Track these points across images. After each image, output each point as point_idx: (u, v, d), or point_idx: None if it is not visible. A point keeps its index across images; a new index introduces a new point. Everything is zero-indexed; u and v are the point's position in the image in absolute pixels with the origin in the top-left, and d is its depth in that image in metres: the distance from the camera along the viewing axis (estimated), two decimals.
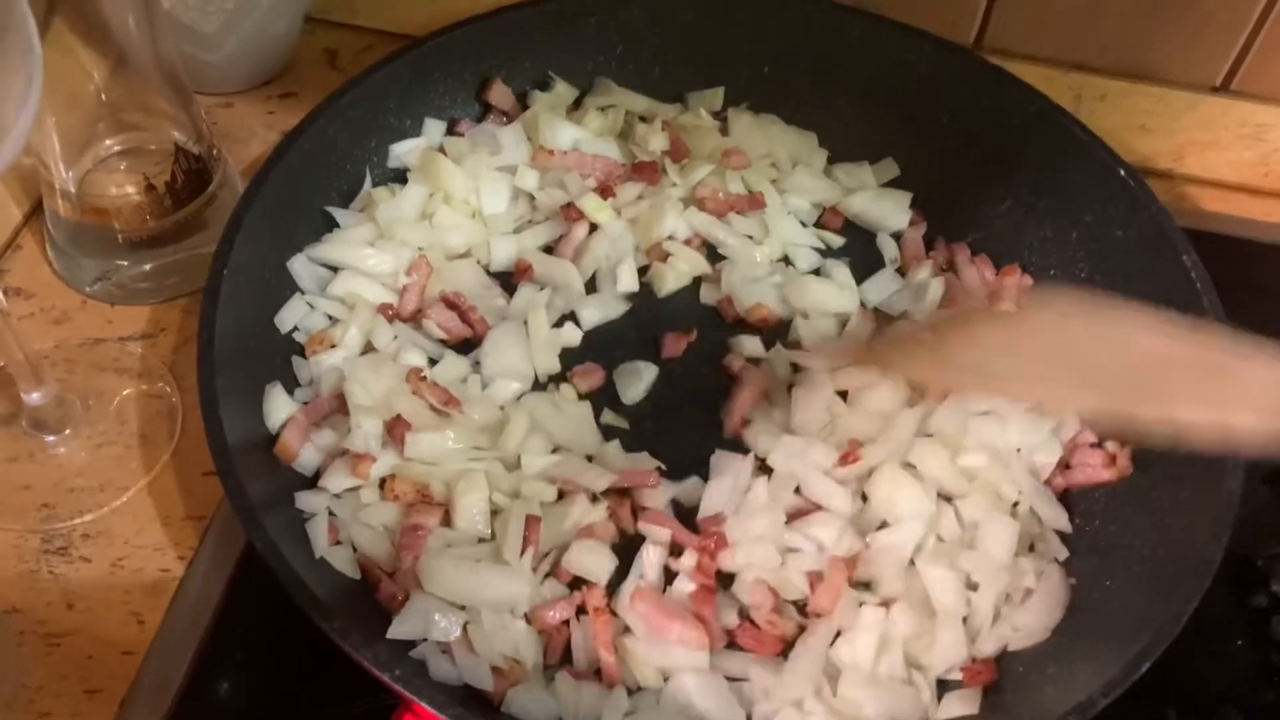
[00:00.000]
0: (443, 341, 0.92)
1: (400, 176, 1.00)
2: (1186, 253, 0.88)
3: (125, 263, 0.96)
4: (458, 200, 0.98)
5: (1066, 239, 0.96)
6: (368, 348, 0.90)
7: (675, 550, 0.82)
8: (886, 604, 0.80)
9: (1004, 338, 0.76)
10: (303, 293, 0.92)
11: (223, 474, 0.74)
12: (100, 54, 0.87)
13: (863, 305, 0.97)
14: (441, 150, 1.00)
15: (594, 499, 0.83)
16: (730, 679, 0.77)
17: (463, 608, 0.77)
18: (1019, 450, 0.88)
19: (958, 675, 0.78)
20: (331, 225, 0.95)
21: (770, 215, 1.00)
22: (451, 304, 0.93)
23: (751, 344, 0.94)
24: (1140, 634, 0.71)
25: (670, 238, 0.99)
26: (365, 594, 0.79)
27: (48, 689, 0.77)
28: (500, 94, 1.03)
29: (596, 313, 0.95)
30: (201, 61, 1.06)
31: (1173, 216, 0.90)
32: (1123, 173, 0.92)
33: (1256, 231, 1.09)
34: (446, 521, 0.81)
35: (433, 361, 0.90)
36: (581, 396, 0.90)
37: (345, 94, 0.93)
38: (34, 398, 0.85)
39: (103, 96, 0.90)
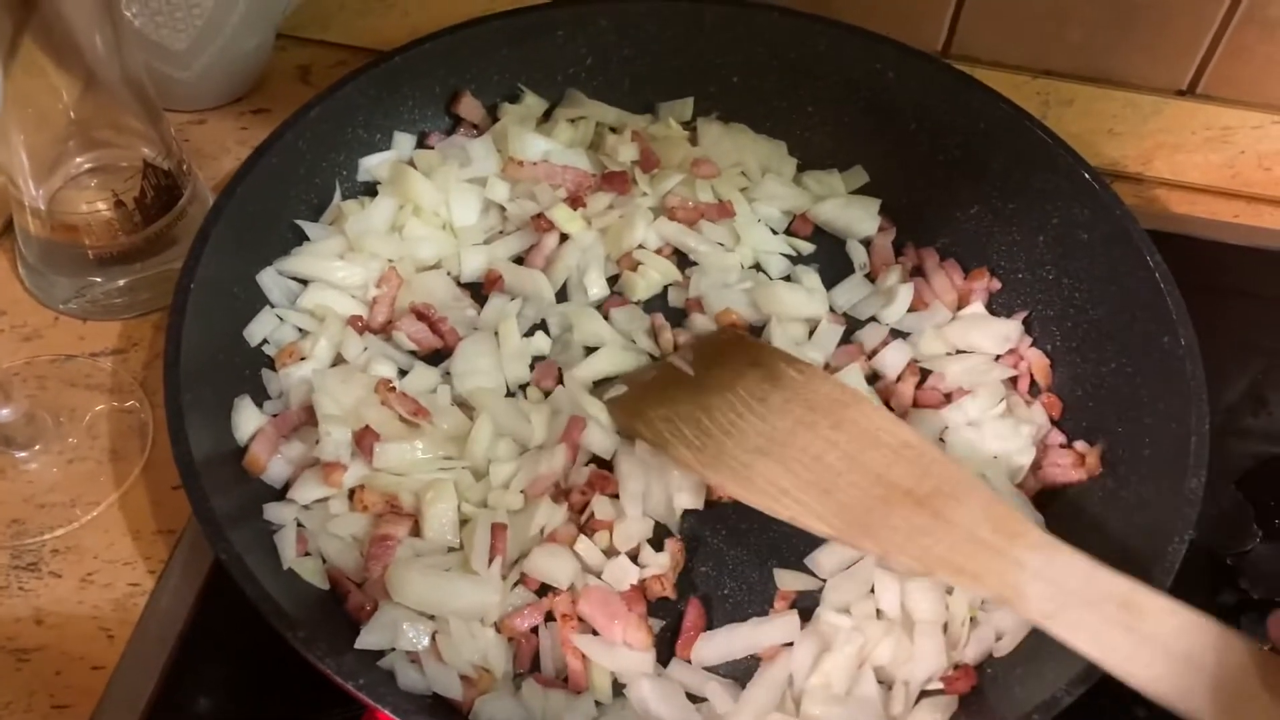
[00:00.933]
0: (413, 353, 0.92)
1: (370, 189, 1.01)
2: (1151, 253, 0.88)
3: (98, 279, 0.96)
4: (427, 212, 0.98)
5: (1034, 242, 0.97)
6: (338, 360, 0.90)
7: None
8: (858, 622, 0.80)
9: (762, 428, 0.80)
10: (272, 306, 0.92)
11: (188, 487, 0.74)
12: (69, 73, 0.87)
13: (832, 310, 0.98)
14: (411, 164, 1.00)
15: (556, 499, 0.83)
16: (693, 698, 0.77)
17: (432, 617, 0.77)
18: (995, 457, 0.88)
19: (938, 685, 0.78)
20: (301, 238, 0.96)
21: (740, 223, 1.01)
22: (422, 315, 0.93)
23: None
24: None
25: (640, 247, 0.99)
26: (334, 606, 0.79)
27: (16, 705, 0.77)
28: (470, 107, 1.04)
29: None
30: (173, 79, 1.07)
31: (1139, 219, 0.91)
32: (1087, 175, 0.93)
33: (1223, 233, 1.10)
34: (415, 532, 0.81)
35: (403, 373, 0.90)
36: (547, 395, 0.91)
37: (314, 108, 0.94)
38: (3, 414, 0.85)
39: (72, 115, 0.90)
